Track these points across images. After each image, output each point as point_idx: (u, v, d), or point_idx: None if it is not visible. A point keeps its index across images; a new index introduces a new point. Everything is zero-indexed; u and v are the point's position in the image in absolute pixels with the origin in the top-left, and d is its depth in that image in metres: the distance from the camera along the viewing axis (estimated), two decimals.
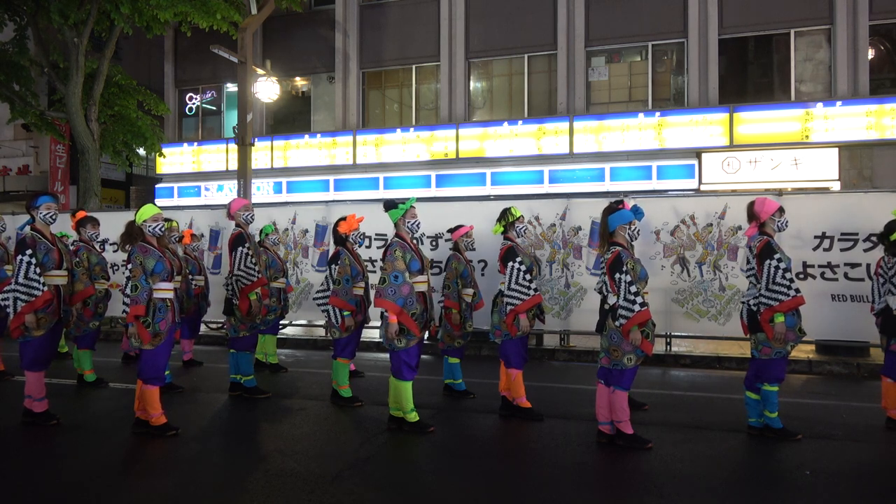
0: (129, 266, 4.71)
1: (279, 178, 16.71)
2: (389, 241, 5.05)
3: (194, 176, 17.63)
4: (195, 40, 15.58)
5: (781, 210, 4.86)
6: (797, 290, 4.61)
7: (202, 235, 9.56)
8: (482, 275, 8.26)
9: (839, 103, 12.79)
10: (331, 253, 6.59)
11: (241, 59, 11.95)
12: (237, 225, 6.14)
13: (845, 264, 7.43)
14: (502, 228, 5.52)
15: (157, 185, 18.16)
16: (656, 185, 13.92)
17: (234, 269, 5.96)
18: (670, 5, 14.03)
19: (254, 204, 6.88)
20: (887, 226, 5.23)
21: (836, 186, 12.85)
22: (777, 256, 4.65)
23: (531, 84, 15.30)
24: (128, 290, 4.68)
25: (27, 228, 5.27)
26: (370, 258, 8.94)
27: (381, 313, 5.00)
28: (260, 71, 13.21)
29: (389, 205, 5.17)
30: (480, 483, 4.00)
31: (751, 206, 4.93)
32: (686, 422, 5.34)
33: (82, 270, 6.36)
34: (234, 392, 6.28)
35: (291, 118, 17.42)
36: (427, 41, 15.77)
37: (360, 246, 6.27)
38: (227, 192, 16.78)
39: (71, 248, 6.65)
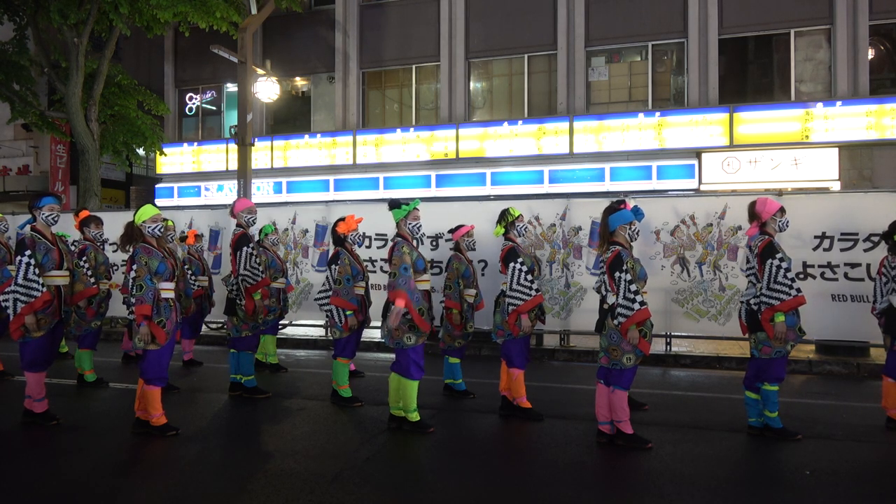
0: (134, 267, 4.70)
1: (279, 178, 16.71)
2: (394, 241, 5.06)
3: (194, 176, 17.62)
4: (195, 40, 15.58)
5: (783, 210, 4.87)
6: (798, 290, 4.61)
7: (202, 235, 9.55)
8: (482, 275, 8.26)
9: (839, 103, 12.79)
10: (330, 253, 6.59)
11: (241, 59, 11.95)
12: (238, 225, 6.14)
13: (845, 264, 7.43)
14: (503, 230, 5.53)
15: (157, 185, 18.16)
16: (656, 185, 13.91)
17: (239, 269, 5.97)
18: (670, 5, 14.03)
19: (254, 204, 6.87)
20: (892, 225, 5.24)
21: (836, 186, 12.85)
22: (779, 256, 4.66)
23: (531, 84, 15.29)
24: (133, 291, 4.68)
25: (27, 228, 5.26)
26: (370, 258, 8.95)
27: (384, 312, 5.02)
28: (260, 71, 13.21)
29: (394, 204, 5.18)
30: (480, 483, 4.00)
31: (752, 205, 4.94)
32: (686, 422, 5.34)
33: (87, 270, 6.33)
34: (235, 392, 6.28)
35: (291, 118, 17.42)
36: (427, 41, 15.77)
37: (359, 246, 6.28)
38: (227, 192, 16.79)
39: (77, 247, 6.65)
